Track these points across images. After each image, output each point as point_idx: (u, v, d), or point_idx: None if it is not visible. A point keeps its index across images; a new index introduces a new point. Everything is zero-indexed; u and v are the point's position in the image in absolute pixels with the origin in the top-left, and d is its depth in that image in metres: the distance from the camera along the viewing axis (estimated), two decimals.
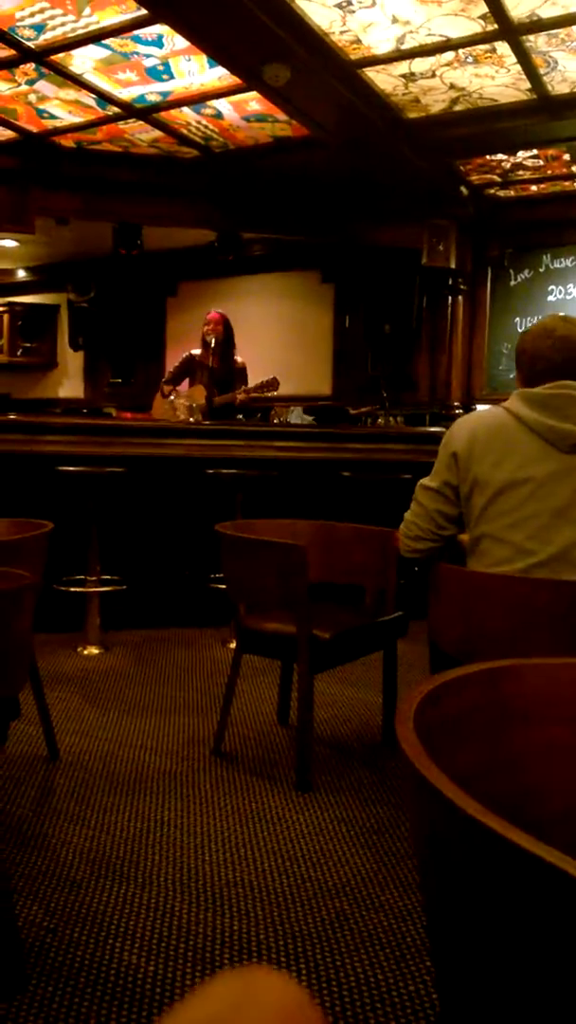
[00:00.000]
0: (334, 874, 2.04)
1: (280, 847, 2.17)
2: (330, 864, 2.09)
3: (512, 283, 6.21)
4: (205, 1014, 0.30)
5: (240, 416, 5.51)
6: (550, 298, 6.05)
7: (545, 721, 1.04)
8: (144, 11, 3.47)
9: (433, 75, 4.02)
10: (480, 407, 6.11)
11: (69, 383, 8.77)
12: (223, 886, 1.97)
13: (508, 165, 5.23)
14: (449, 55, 3.81)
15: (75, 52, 3.91)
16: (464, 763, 0.92)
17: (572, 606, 1.84)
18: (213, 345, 5.34)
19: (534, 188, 5.66)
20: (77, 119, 4.75)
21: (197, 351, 5.54)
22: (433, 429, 5.27)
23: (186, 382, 5.62)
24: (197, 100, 4.42)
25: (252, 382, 5.36)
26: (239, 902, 1.90)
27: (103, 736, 2.96)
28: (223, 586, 3.68)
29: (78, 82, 4.24)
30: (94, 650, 4.09)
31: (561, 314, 2.39)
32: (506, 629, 1.91)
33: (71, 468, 3.97)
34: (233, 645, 2.86)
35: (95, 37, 3.74)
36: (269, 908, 1.88)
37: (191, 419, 5.04)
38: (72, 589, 4.09)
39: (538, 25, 3.54)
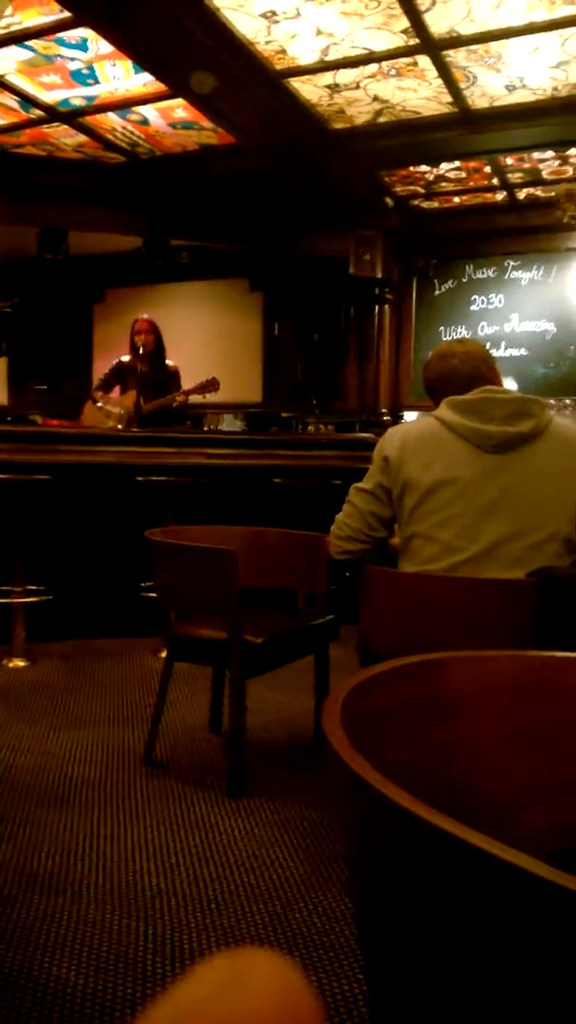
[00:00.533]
0: (267, 877, 2.03)
1: (212, 853, 2.15)
2: (263, 868, 2.08)
3: (437, 293, 6.34)
4: (192, 998, 0.28)
5: (172, 423, 5.46)
6: (473, 307, 6.19)
7: (473, 713, 1.05)
8: (68, 14, 3.44)
9: (357, 87, 4.09)
10: (408, 414, 6.22)
11: None
12: (155, 895, 1.94)
13: (432, 177, 5.35)
14: (372, 67, 3.88)
15: None
16: (392, 755, 0.93)
17: (495, 602, 1.89)
18: (142, 353, 5.29)
19: (457, 200, 5.81)
20: None
21: (127, 357, 5.46)
22: (362, 435, 5.33)
23: (117, 388, 5.54)
24: (123, 106, 4.39)
25: (185, 386, 5.32)
26: (171, 910, 1.87)
27: (30, 749, 2.89)
28: (154, 595, 3.64)
29: None
30: (20, 662, 3.99)
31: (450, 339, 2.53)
32: (433, 627, 1.94)
33: None
34: (164, 655, 2.84)
35: (17, 38, 3.68)
36: (201, 915, 1.86)
37: (119, 426, 4.97)
38: None
39: (458, 41, 3.64)
